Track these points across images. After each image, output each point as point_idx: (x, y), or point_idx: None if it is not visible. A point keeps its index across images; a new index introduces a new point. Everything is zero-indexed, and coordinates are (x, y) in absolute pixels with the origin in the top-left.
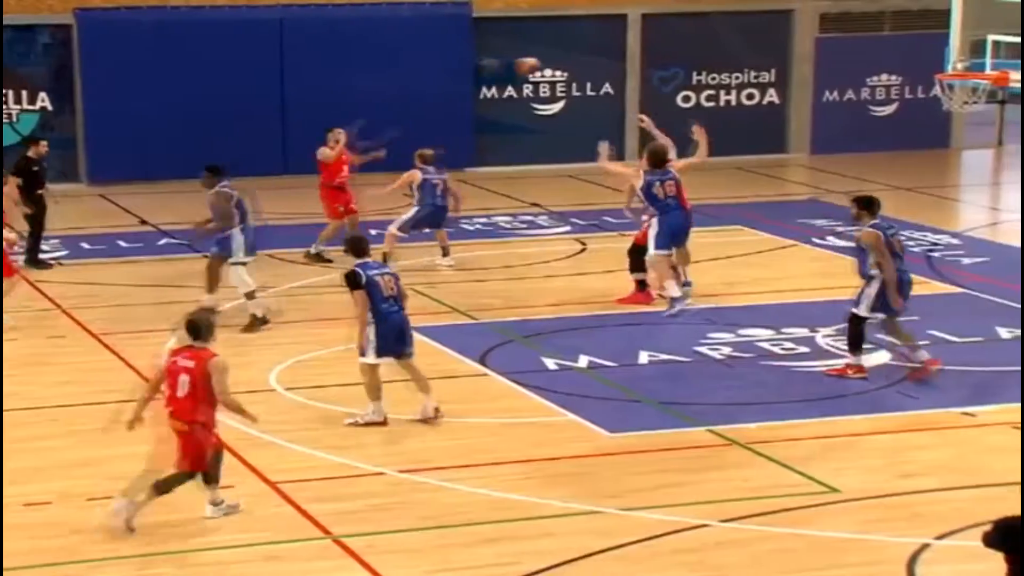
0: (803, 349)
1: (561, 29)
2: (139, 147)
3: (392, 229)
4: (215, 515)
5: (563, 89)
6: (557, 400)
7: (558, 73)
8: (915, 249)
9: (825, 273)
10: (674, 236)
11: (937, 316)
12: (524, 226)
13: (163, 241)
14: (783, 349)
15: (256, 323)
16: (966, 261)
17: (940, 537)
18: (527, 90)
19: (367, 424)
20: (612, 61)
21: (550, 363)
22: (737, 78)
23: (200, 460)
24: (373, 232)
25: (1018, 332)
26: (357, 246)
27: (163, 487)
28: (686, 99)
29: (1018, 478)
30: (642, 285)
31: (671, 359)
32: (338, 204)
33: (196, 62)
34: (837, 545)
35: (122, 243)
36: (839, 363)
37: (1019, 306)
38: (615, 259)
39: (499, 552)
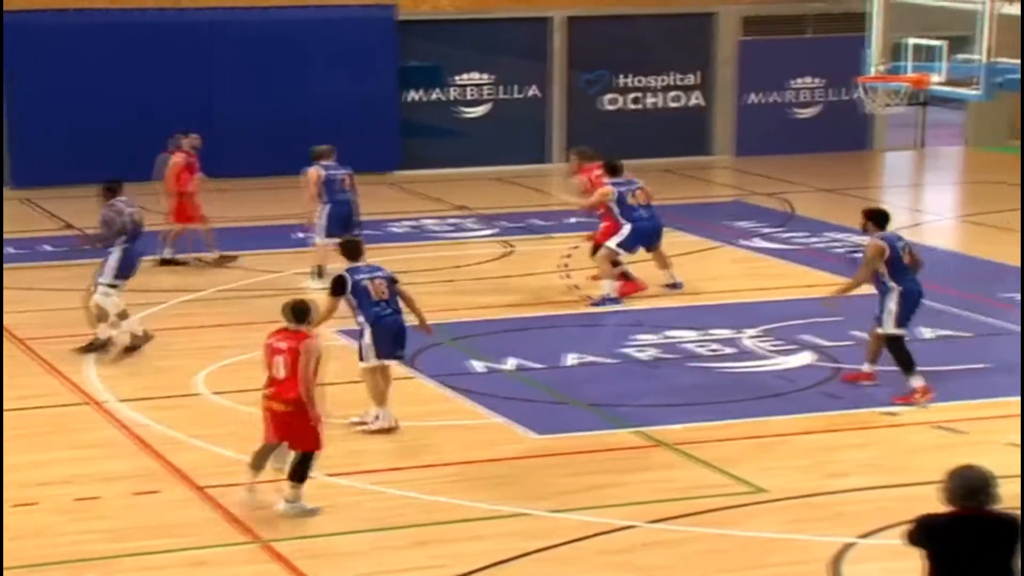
0: (728, 350)
1: (486, 31)
2: (65, 151)
3: (317, 240)
4: (288, 511)
5: (489, 92)
6: (485, 402)
7: (484, 76)
8: (838, 250)
9: (750, 274)
10: (646, 239)
11: (860, 317)
12: (451, 229)
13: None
14: (709, 350)
15: (129, 348)
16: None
17: (864, 536)
18: (453, 93)
19: (377, 431)
20: (537, 64)
21: (478, 366)
22: (662, 81)
23: (314, 439)
24: (300, 234)
25: (941, 332)
26: (351, 249)
27: (297, 472)
28: (612, 101)
29: (940, 477)
30: (626, 275)
31: (598, 361)
32: (188, 210)
33: (123, 65)
34: (763, 545)
35: (48, 247)
36: (904, 391)
37: (939, 306)
38: (542, 261)
39: (429, 555)
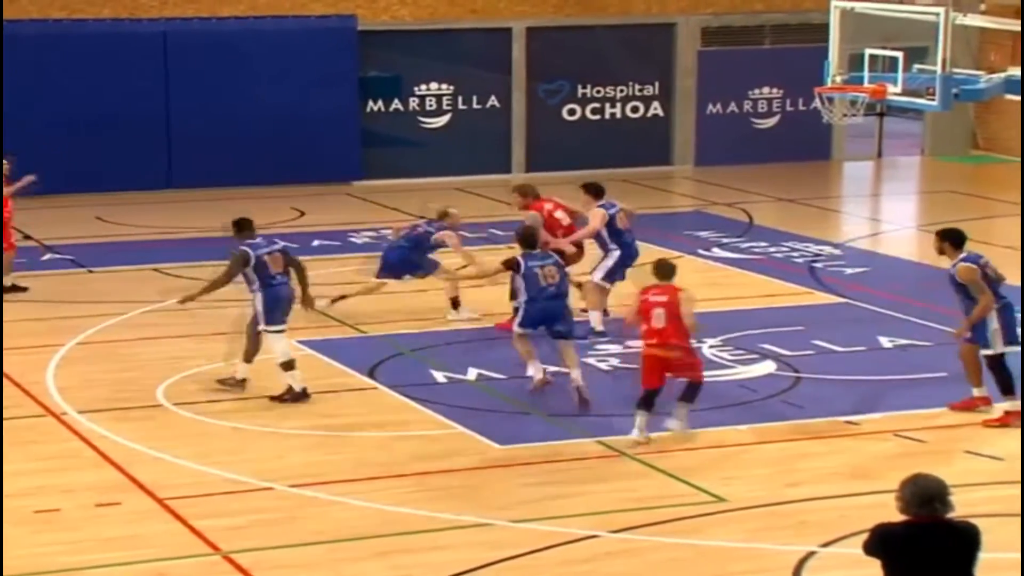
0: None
1: (446, 42)
2: (20, 161)
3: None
4: (679, 428)
5: (449, 102)
6: (446, 413)
7: (444, 86)
8: (798, 260)
9: (710, 284)
10: (629, 265)
11: (820, 326)
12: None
13: (47, 256)
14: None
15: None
16: (848, 271)
17: (826, 545)
18: (413, 103)
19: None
20: (498, 74)
21: (439, 376)
22: (622, 91)
23: (699, 370)
24: None
25: (900, 341)
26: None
27: (688, 396)
28: (571, 112)
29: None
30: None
31: (559, 371)
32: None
33: (78, 75)
34: (725, 554)
35: None
36: (996, 413)
37: (899, 315)
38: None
39: (390, 566)
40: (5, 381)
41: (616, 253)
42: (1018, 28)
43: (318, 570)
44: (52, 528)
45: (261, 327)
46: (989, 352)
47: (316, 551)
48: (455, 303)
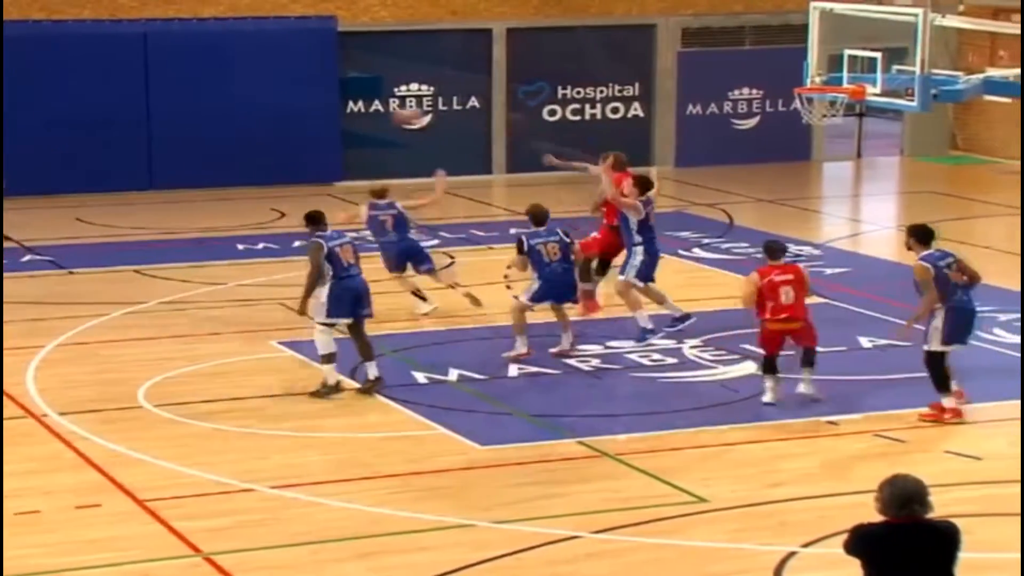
0: (671, 360)
1: (427, 43)
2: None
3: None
4: (811, 391)
5: (430, 103)
6: (428, 413)
7: (424, 87)
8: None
9: (691, 284)
10: (653, 269)
11: None
12: None
13: (27, 258)
14: (651, 361)
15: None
16: (828, 272)
17: (807, 545)
18: (394, 104)
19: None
20: (478, 75)
21: (420, 377)
22: (602, 92)
23: (816, 336)
24: None
25: (880, 341)
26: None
27: (809, 360)
28: (552, 113)
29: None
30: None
31: (541, 371)
32: None
33: (59, 76)
34: (707, 554)
35: None
36: (926, 408)
37: (879, 316)
38: (484, 272)
39: (372, 567)
40: None
41: (640, 249)
42: (995, 29)
43: (300, 571)
44: (32, 530)
45: (318, 318)
46: (926, 348)
47: (298, 552)
48: (419, 295)
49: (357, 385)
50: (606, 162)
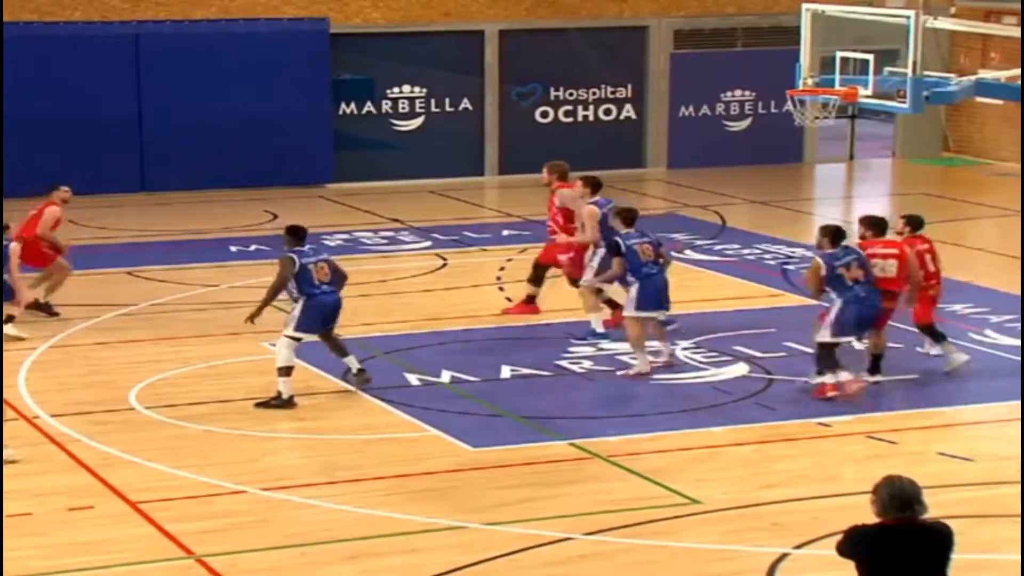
0: (662, 361)
1: (419, 45)
2: None
3: None
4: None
5: (422, 105)
6: (420, 415)
7: (416, 89)
8: (771, 262)
9: (684, 286)
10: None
11: (792, 328)
12: (385, 242)
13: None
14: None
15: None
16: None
17: (799, 546)
18: (386, 106)
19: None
20: (470, 77)
21: (412, 379)
22: (594, 94)
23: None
24: None
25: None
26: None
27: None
28: (544, 115)
29: (871, 486)
30: (531, 299)
31: (533, 373)
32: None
33: (50, 78)
34: (699, 556)
35: None
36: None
37: None
38: (476, 274)
39: (363, 569)
40: None
41: (602, 251)
42: (987, 31)
43: (291, 573)
44: (24, 532)
45: (286, 331)
46: (816, 339)
47: (289, 554)
48: None
49: (347, 386)
50: (577, 188)
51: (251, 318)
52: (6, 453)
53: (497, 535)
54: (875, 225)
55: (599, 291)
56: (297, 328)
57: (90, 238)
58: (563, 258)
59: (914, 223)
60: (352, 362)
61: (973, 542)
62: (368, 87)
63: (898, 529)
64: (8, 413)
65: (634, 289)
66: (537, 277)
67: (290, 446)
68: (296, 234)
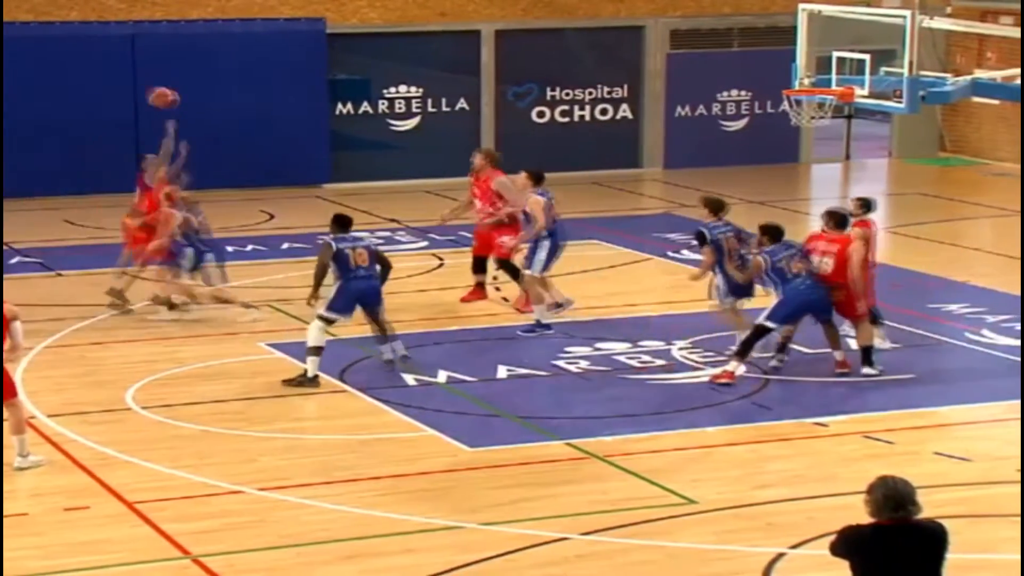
0: (659, 362)
1: (415, 45)
2: None
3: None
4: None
5: (418, 105)
6: (416, 415)
7: (413, 89)
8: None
9: (680, 286)
10: (555, 259)
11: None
12: (382, 242)
13: (15, 260)
14: (640, 362)
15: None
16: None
17: (795, 546)
18: (383, 106)
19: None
20: (467, 77)
21: (409, 379)
22: (590, 93)
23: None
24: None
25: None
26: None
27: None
28: (540, 114)
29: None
30: (481, 286)
31: (529, 373)
32: None
33: (47, 78)
34: (695, 556)
35: None
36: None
37: None
38: (472, 274)
39: (360, 569)
40: None
41: (547, 243)
42: (983, 31)
43: (287, 573)
44: (21, 533)
45: (319, 309)
46: (758, 321)
47: (285, 555)
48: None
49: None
50: (520, 178)
51: (308, 301)
52: (31, 459)
53: (494, 535)
54: (836, 218)
55: (544, 282)
56: (328, 309)
57: (87, 238)
58: (506, 239)
59: (866, 206)
60: (392, 349)
61: (968, 542)
62: (365, 87)
63: (892, 529)
64: (5, 412)
65: (719, 282)
66: (480, 268)
67: (287, 446)
68: (340, 223)
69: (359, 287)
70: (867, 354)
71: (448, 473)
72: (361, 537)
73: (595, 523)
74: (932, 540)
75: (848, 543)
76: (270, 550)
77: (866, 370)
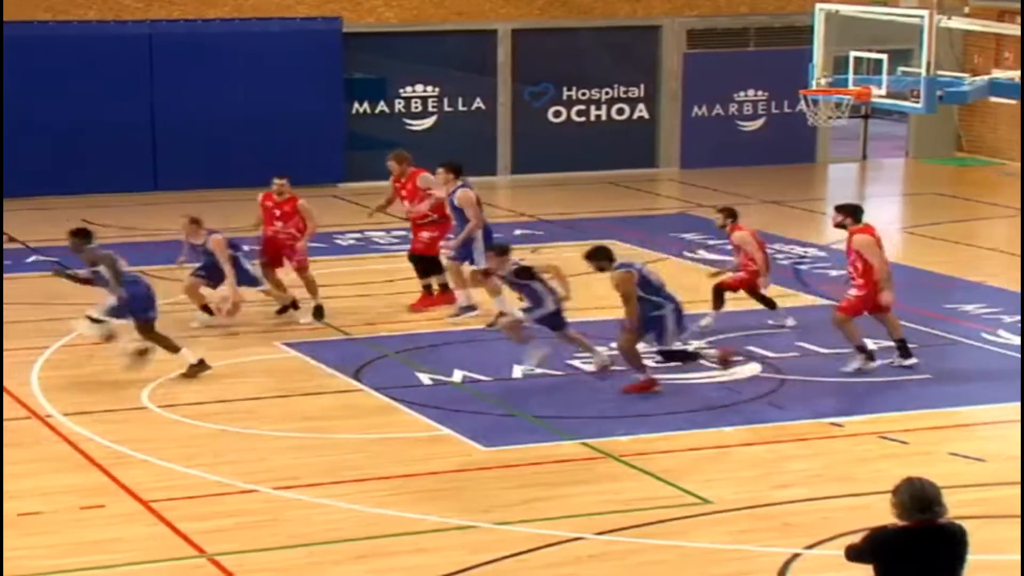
0: (674, 362)
1: (432, 45)
2: (7, 164)
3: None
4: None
5: (434, 104)
6: (432, 415)
7: (429, 88)
8: (783, 262)
9: (697, 287)
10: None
11: (804, 328)
12: (398, 241)
13: (32, 258)
14: (655, 362)
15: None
16: (833, 273)
17: (811, 547)
18: (399, 105)
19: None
20: (483, 76)
21: (424, 378)
22: (607, 93)
23: None
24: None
25: (884, 343)
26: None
27: None
28: (557, 114)
29: (885, 487)
30: (429, 289)
31: (545, 373)
32: None
33: (63, 77)
34: (710, 556)
35: None
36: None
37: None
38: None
39: (371, 568)
40: None
41: (480, 233)
42: (1001, 31)
43: (299, 573)
44: (36, 531)
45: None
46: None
47: (297, 554)
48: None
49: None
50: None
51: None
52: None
53: (506, 535)
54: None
55: (475, 279)
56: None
57: (103, 237)
58: (449, 244)
59: (853, 212)
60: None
61: (983, 542)
62: (381, 86)
63: (919, 531)
64: (21, 411)
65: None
66: (424, 270)
67: (301, 445)
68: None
69: None
70: (903, 346)
71: (462, 472)
72: (372, 537)
73: (609, 523)
74: (956, 542)
75: (877, 546)
76: (284, 549)
77: (906, 362)
